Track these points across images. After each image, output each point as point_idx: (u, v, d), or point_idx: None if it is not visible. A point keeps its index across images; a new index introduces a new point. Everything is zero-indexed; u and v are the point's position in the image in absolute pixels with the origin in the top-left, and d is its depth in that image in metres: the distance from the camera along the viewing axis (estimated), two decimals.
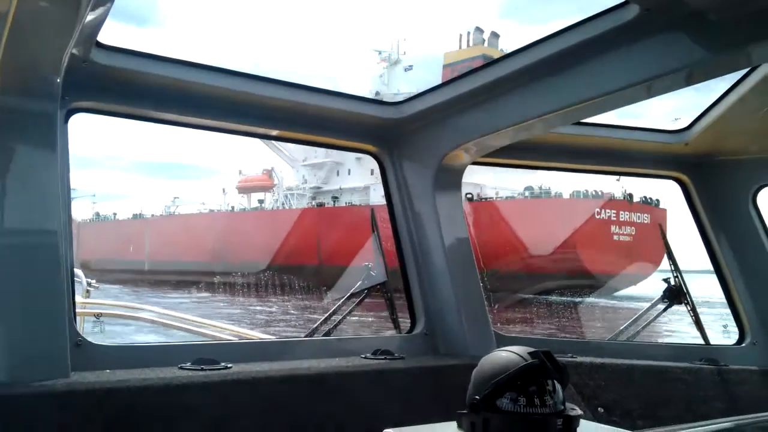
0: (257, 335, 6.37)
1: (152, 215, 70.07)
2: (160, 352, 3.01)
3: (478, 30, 67.70)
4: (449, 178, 3.68)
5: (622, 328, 4.15)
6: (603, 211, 45.39)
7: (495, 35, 68.34)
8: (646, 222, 45.33)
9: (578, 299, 35.68)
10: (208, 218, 63.01)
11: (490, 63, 3.23)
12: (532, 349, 2.13)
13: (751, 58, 2.68)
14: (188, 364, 2.85)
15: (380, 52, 67.70)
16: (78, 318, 7.12)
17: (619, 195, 45.78)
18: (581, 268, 41.06)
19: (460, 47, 68.59)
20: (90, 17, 2.29)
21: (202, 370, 2.81)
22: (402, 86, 63.31)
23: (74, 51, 2.55)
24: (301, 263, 45.29)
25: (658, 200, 45.92)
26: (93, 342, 2.89)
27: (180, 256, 56.68)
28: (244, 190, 71.67)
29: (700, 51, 2.47)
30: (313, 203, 59.94)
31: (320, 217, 52.99)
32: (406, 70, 67.49)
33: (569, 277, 39.39)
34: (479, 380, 1.85)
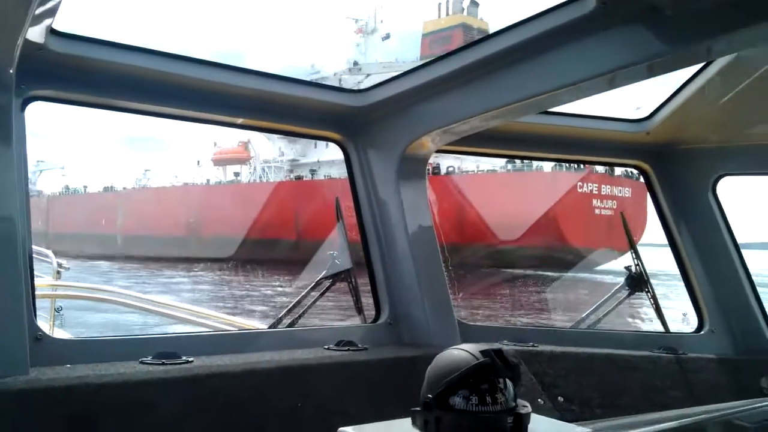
0: (242, 321, 6.43)
1: (124, 188, 69.49)
2: (122, 345, 3.03)
3: None
4: (413, 167, 3.75)
5: (583, 315, 4.27)
6: (585, 184, 45.82)
7: (474, 4, 68.27)
8: (627, 196, 45.87)
9: (558, 274, 36.16)
10: (183, 191, 62.57)
11: (453, 52, 3.27)
12: (485, 347, 2.21)
13: (711, 51, 2.75)
14: (149, 358, 2.87)
15: (356, 21, 67.19)
16: (48, 301, 7.18)
17: (600, 168, 46.27)
18: (563, 242, 41.60)
19: (439, 16, 68.28)
20: (42, 6, 2.28)
21: (162, 364, 2.83)
22: (379, 56, 62.99)
23: (29, 38, 2.54)
24: (277, 237, 45.29)
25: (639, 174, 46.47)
26: (53, 336, 2.88)
27: (153, 230, 56.43)
28: (220, 162, 71.22)
29: (659, 44, 2.54)
30: (291, 176, 59.77)
31: (297, 190, 52.87)
32: (383, 39, 67.16)
33: (549, 252, 39.95)
34: (433, 378, 1.94)
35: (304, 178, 57.21)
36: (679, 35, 2.45)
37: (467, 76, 3.16)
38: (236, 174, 68.31)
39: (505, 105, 3.08)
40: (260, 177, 64.13)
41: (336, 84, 61.82)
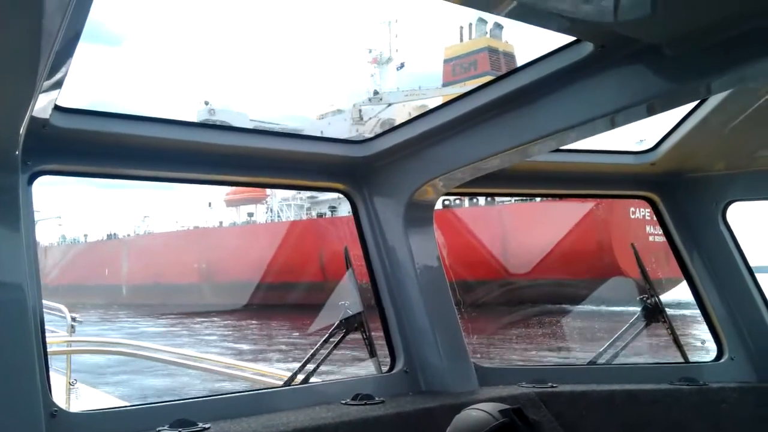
0: (254, 366, 6.79)
1: (127, 235, 70.53)
2: (138, 415, 3.21)
3: (481, 21, 68.28)
4: (420, 212, 4.12)
5: (601, 350, 4.55)
6: (638, 210, 45.61)
7: (498, 26, 68.98)
8: None
9: (620, 309, 35.58)
10: (194, 235, 63.37)
11: (455, 99, 3.62)
12: (503, 407, 2.48)
13: (711, 88, 3.04)
14: (166, 426, 3.03)
15: (370, 51, 68.78)
16: (65, 357, 7.68)
17: None
18: (620, 274, 41.23)
19: (461, 40, 69.25)
20: (46, 84, 2.43)
21: None
22: (394, 86, 64.28)
23: (35, 116, 2.72)
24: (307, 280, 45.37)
25: None
26: (69, 411, 3.02)
27: (161, 277, 57.05)
28: (234, 202, 71.61)
29: (659, 83, 2.81)
30: (313, 214, 60.18)
31: (319, 228, 53.05)
32: (398, 68, 68.65)
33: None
34: None
35: (326, 216, 57.40)
36: (678, 74, 2.73)
37: (469, 122, 3.52)
38: (250, 215, 68.85)
39: (506, 149, 3.41)
40: (279, 216, 64.54)
41: (356, 114, 63.06)
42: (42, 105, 2.73)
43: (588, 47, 2.84)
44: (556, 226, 43.16)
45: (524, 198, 44.98)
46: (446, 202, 48.20)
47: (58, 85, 2.56)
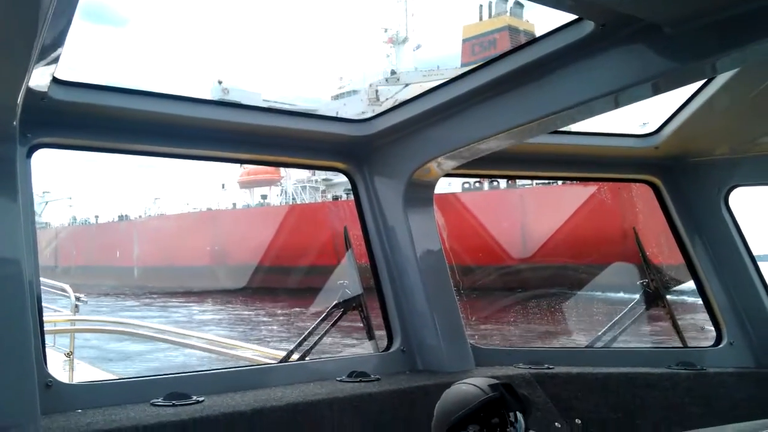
0: (258, 348, 6.93)
1: (139, 216, 70.98)
2: (133, 387, 3.31)
3: None
4: (421, 193, 4.22)
5: (599, 334, 4.68)
6: None
7: (519, 5, 68.46)
8: None
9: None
10: (207, 217, 63.55)
11: (457, 78, 3.69)
12: (493, 381, 2.54)
13: (715, 67, 3.08)
14: (160, 399, 3.17)
15: (386, 30, 68.71)
16: (68, 335, 7.87)
17: None
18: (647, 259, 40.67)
19: (481, 19, 68.83)
20: (42, 60, 2.51)
21: (173, 406, 3.12)
22: (410, 66, 64.12)
23: (33, 88, 2.84)
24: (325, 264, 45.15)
25: None
26: (64, 382, 3.13)
27: (173, 260, 57.48)
28: (247, 184, 71.63)
29: (662, 63, 2.86)
30: (329, 197, 60.23)
31: (337, 210, 52.89)
32: (414, 49, 68.59)
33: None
34: (442, 414, 2.36)
35: (341, 198, 57.31)
36: (681, 53, 2.78)
37: (470, 101, 3.60)
38: (263, 197, 68.94)
39: (508, 128, 3.49)
40: (294, 198, 64.57)
41: (373, 95, 62.90)
42: (40, 77, 2.79)
43: (589, 26, 2.90)
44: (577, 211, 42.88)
45: (546, 181, 44.69)
46: (466, 185, 48.12)
47: (56, 58, 2.62)
